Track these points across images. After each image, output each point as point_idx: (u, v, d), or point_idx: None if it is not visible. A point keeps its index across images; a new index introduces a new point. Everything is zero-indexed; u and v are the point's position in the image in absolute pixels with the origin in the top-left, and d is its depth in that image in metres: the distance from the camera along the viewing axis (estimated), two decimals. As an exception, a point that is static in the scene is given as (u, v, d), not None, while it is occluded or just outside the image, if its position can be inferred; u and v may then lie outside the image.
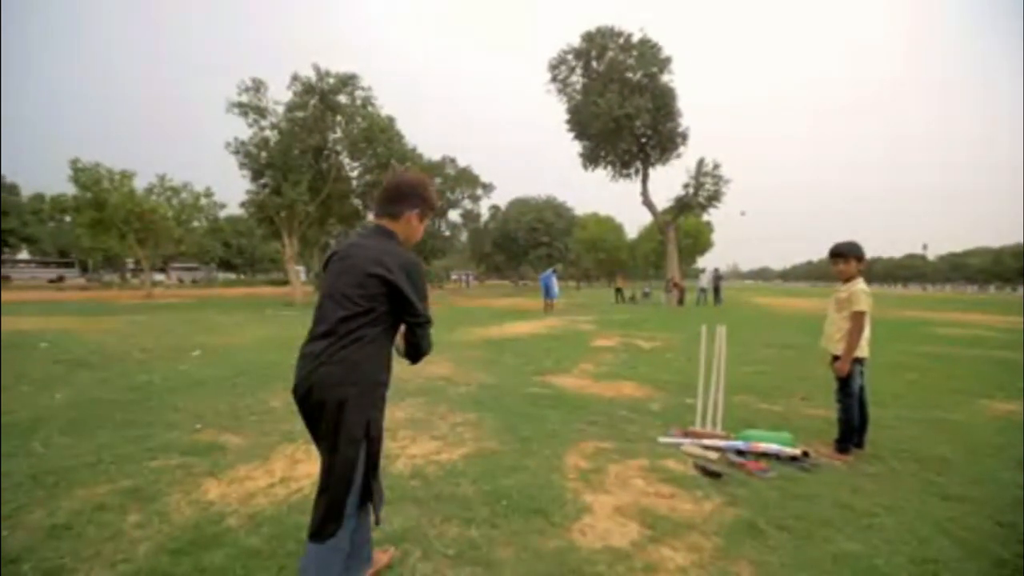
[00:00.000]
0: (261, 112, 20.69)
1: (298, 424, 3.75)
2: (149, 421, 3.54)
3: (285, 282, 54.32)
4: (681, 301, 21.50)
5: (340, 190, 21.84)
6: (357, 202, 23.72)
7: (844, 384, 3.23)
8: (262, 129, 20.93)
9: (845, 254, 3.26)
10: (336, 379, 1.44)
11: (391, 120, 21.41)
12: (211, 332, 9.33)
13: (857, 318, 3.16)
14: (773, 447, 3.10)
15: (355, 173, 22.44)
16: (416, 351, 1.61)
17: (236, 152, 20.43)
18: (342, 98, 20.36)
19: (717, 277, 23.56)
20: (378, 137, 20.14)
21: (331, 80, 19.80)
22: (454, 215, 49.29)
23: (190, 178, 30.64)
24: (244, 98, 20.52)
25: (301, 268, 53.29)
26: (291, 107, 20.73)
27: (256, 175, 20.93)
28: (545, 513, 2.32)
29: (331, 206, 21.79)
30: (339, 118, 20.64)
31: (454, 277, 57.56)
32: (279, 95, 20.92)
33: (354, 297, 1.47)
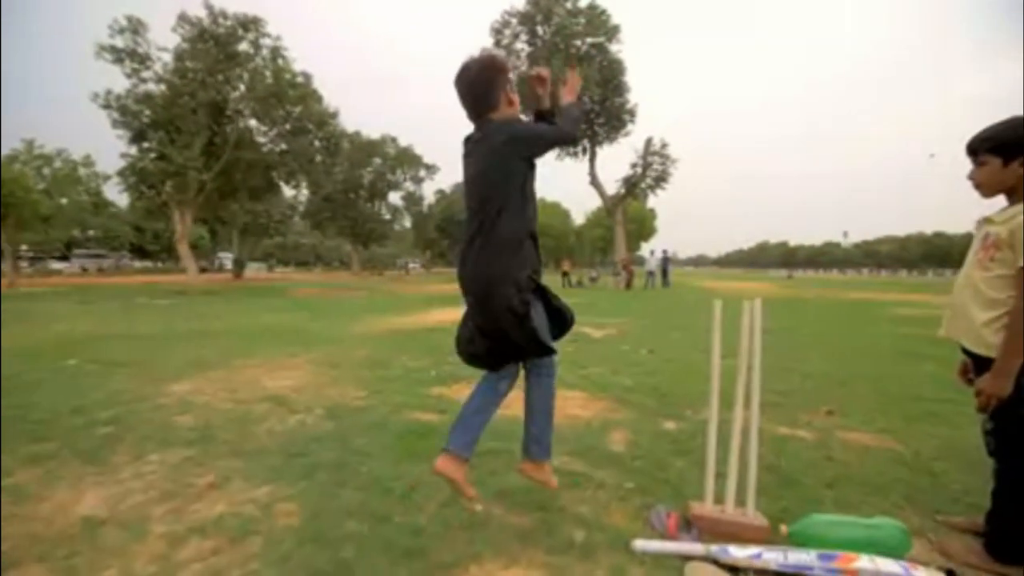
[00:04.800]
0: (140, 59, 17.15)
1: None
2: None
3: (203, 270, 49.10)
4: (629, 285, 20.46)
5: (247, 158, 18.67)
6: (274, 174, 20.52)
7: (1005, 420, 1.57)
8: (143, 80, 17.41)
9: (1006, 148, 1.58)
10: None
11: (307, 77, 18.47)
12: None
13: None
14: (886, 566, 1.40)
15: (266, 138, 19.28)
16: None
17: (107, 107, 16.79)
18: (244, 46, 17.21)
19: (665, 260, 22.79)
20: (288, 95, 17.20)
21: (228, 23, 16.59)
22: (395, 198, 46.34)
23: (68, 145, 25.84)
24: (118, 41, 16.91)
25: (228, 254, 48.20)
26: (180, 55, 17.32)
27: (137, 136, 17.41)
28: None
29: (235, 176, 18.61)
30: (240, 71, 17.48)
31: (402, 264, 54.22)
32: (165, 40, 17.37)
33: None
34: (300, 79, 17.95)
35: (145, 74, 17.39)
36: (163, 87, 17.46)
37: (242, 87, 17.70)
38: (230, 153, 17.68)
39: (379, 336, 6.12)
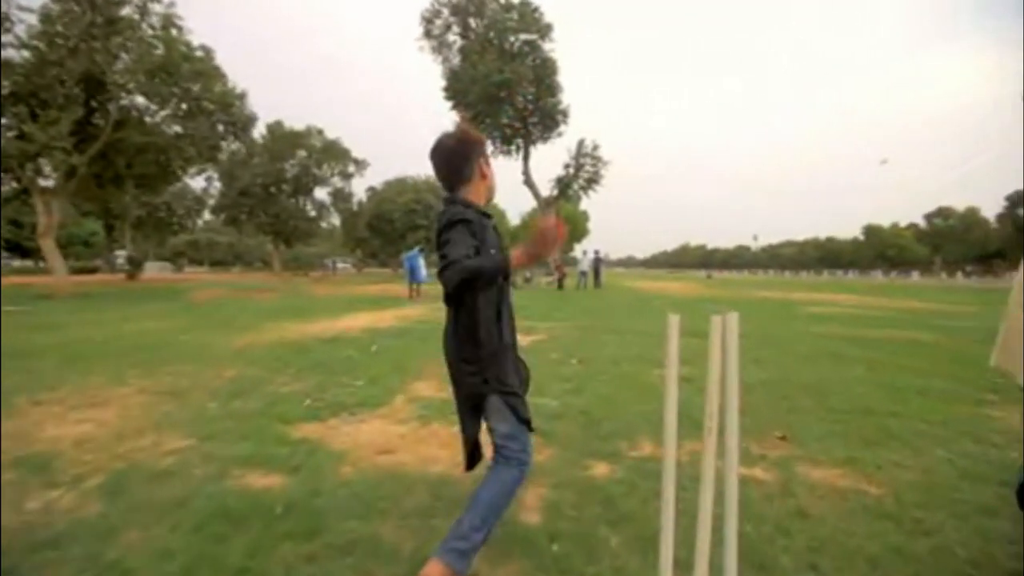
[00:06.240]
0: (-3, 21, 14.30)
1: None
2: None
3: (94, 269, 43.34)
4: (561, 285, 20.32)
5: (133, 141, 16.11)
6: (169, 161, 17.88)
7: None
8: (0, 45, 14.55)
9: None
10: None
11: (207, 52, 16.33)
12: None
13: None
14: None
15: (158, 119, 16.76)
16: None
17: (-50, 73, 13.79)
18: (127, 11, 14.87)
19: (597, 260, 22.94)
20: (181, 70, 15.07)
21: (105, -19, 14.23)
22: (321, 193, 43.47)
23: None
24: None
25: (121, 252, 42.71)
26: (47, 17, 14.70)
27: (-8, 111, 14.49)
28: None
29: (117, 161, 16.04)
30: (123, 40, 15.06)
31: (329, 264, 50.77)
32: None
33: None
34: (199, 53, 15.80)
35: (4, 38, 14.58)
36: (25, 54, 14.75)
37: (125, 57, 15.28)
38: (110, 134, 15.20)
39: (263, 349, 5.06)
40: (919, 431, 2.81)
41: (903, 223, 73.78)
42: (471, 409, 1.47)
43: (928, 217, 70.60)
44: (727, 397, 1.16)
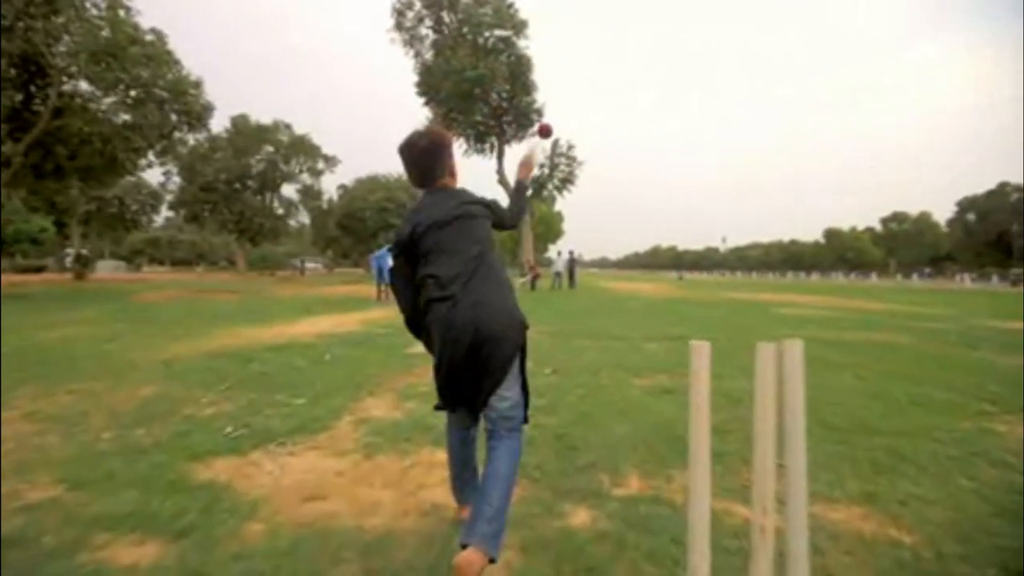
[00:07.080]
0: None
1: None
2: None
3: (42, 268, 40.88)
4: (534, 286, 20.00)
5: (76, 129, 14.93)
6: (116, 151, 16.68)
7: None
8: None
9: None
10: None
11: (159, 35, 15.26)
12: None
13: None
14: None
15: (103, 105, 15.58)
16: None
17: None
18: (68, -12, 13.74)
19: (571, 261, 22.71)
20: (127, 54, 14.01)
21: (42, -46, 13.09)
22: (289, 190, 41.98)
23: None
24: None
25: (70, 251, 40.24)
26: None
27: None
28: None
29: (57, 151, 14.82)
30: (66, 20, 13.91)
31: (297, 264, 48.90)
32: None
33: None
34: (149, 37, 14.73)
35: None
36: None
37: (67, 39, 14.11)
38: (49, 121, 14.02)
39: (197, 360, 4.46)
40: (931, 452, 2.52)
41: (861, 227, 77.01)
42: (501, 368, 1.44)
43: (884, 221, 73.75)
44: (792, 464, 0.77)
